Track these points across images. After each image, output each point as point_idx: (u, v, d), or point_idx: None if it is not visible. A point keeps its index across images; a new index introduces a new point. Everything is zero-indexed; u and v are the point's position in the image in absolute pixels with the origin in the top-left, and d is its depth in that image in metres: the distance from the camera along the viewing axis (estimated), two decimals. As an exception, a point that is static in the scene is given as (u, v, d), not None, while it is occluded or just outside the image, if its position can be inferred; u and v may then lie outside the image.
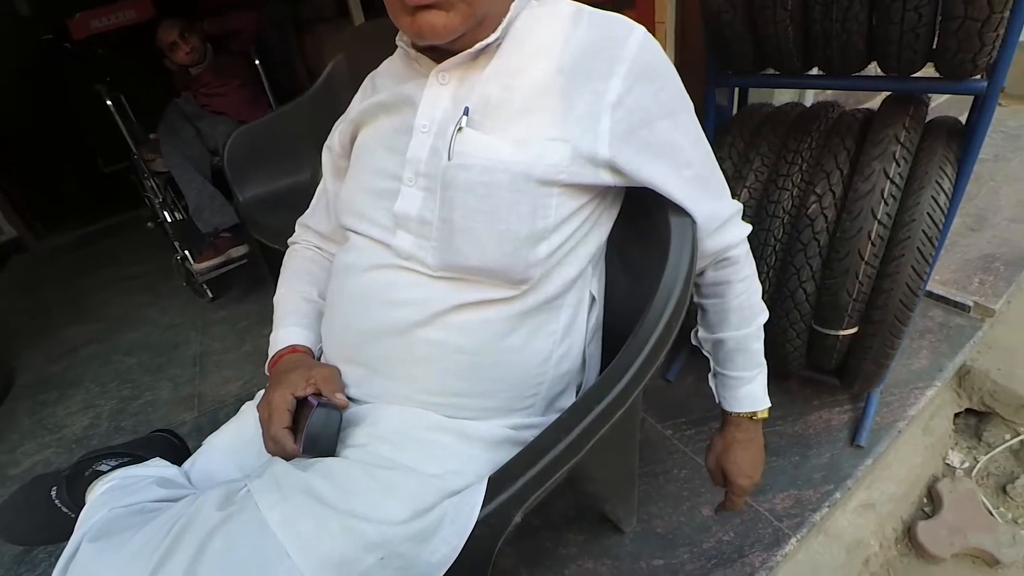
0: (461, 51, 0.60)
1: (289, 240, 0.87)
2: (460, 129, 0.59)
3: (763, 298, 0.76)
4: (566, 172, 0.59)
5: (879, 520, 1.33)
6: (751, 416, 0.78)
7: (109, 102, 1.94)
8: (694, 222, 0.65)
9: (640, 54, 0.59)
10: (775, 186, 0.99)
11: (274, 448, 0.63)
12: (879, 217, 0.91)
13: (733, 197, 0.71)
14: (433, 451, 0.62)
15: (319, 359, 0.77)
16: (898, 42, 0.80)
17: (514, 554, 1.09)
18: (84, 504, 0.63)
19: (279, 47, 2.93)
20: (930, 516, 1.36)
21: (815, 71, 1.01)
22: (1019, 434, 1.51)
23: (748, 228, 0.73)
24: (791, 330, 1.11)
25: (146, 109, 2.25)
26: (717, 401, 0.81)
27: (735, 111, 1.22)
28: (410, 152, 0.63)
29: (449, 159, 0.59)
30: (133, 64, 2.41)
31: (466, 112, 0.60)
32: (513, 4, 0.62)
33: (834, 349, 1.12)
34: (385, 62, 0.75)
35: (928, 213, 0.90)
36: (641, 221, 0.70)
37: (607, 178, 0.61)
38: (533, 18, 0.62)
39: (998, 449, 1.51)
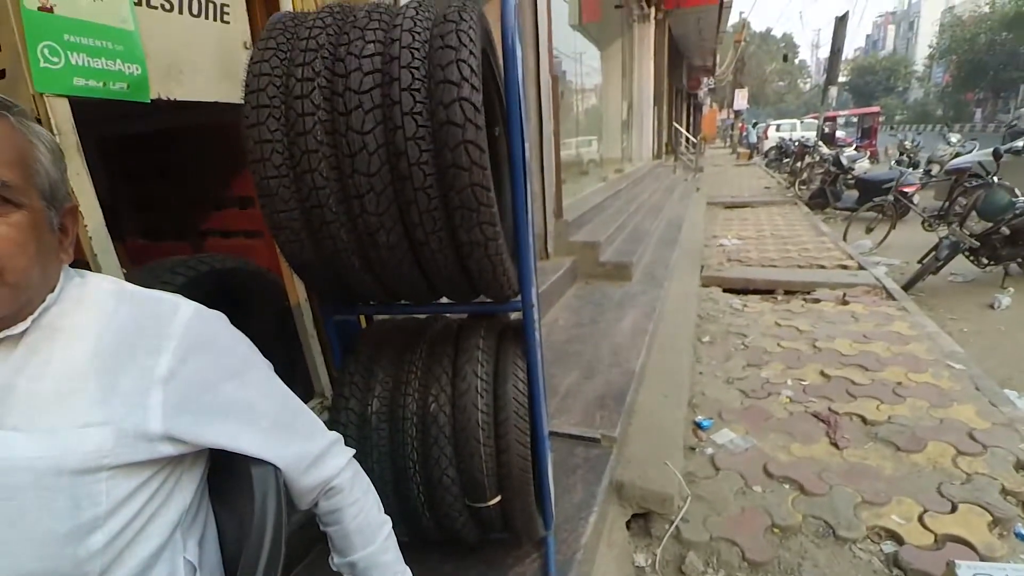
0: None
1: None
2: None
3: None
4: (111, 455, 0.58)
5: (600, 635, 1.45)
6: None
7: None
8: (277, 468, 0.70)
9: (189, 328, 0.65)
10: (400, 392, 1.16)
11: None
12: (480, 408, 1.13)
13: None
14: None
15: None
16: (447, 282, 1.08)
17: None
18: None
19: None
20: (636, 614, 1.56)
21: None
22: (672, 522, 1.90)
23: (349, 454, 0.82)
24: (452, 511, 1.23)
25: None
26: None
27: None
28: None
29: None
30: None
31: None
32: (56, 289, 0.61)
33: (491, 517, 1.27)
34: None
35: (515, 398, 1.17)
36: (235, 470, 0.72)
37: (167, 450, 0.62)
38: (71, 300, 0.62)
39: (664, 539, 1.86)
